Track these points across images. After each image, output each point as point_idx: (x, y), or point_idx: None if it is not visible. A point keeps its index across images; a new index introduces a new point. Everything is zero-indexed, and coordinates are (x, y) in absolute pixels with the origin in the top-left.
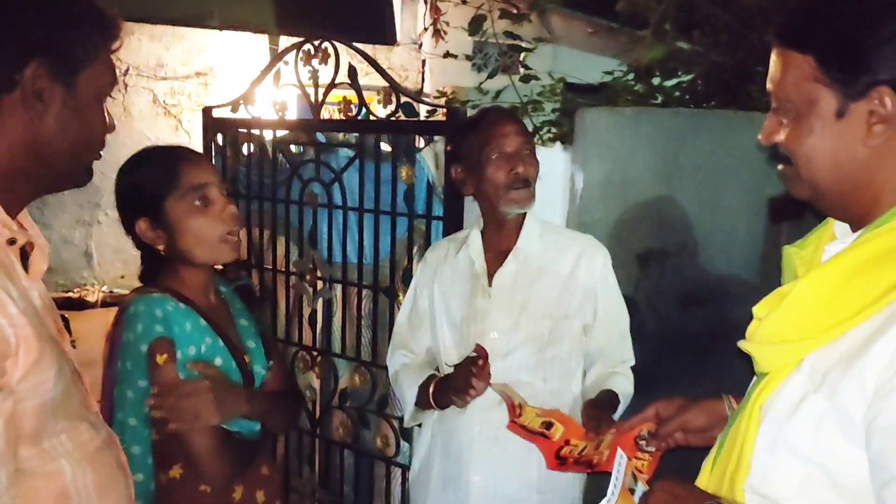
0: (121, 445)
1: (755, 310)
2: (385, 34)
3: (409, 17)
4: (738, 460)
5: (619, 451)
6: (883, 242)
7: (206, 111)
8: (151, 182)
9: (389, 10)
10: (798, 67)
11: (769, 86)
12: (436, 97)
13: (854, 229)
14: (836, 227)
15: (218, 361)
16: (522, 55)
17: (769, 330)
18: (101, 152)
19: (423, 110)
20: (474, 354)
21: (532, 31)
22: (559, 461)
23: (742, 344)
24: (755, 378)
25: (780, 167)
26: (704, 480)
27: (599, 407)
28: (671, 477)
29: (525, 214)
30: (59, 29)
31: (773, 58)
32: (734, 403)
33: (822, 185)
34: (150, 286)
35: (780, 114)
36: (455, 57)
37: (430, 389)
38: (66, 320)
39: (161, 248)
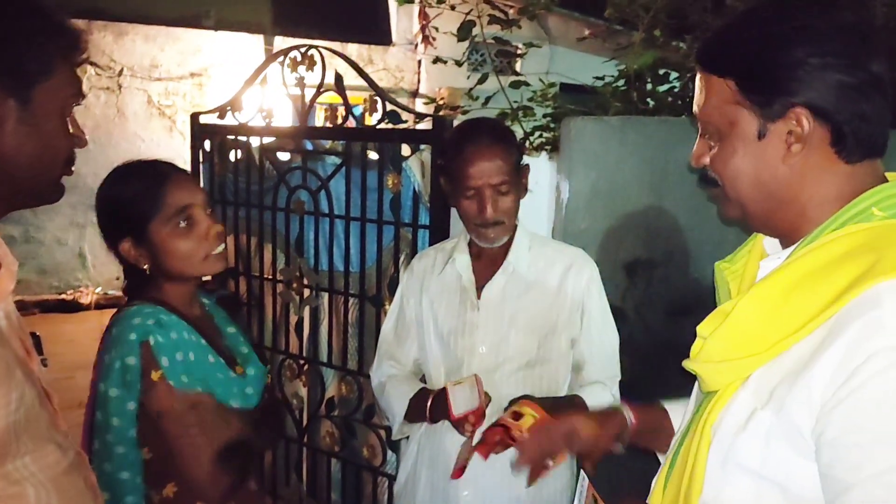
0: (105, 469)
1: (699, 329)
2: (380, 35)
3: (404, 18)
4: (691, 479)
5: (582, 473)
6: (818, 257)
7: (194, 117)
8: (135, 203)
9: (385, 11)
10: (719, 91)
11: (695, 109)
12: (426, 102)
13: (783, 244)
14: (766, 243)
15: (218, 376)
16: (518, 61)
17: (714, 349)
18: (76, 166)
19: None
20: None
21: (528, 33)
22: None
23: (687, 363)
24: (701, 397)
25: (710, 190)
26: (658, 499)
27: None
28: (626, 496)
29: (515, 227)
30: (8, 43)
31: (697, 82)
32: (632, 414)
33: (749, 204)
34: (137, 299)
35: (707, 137)
36: (445, 62)
37: (429, 403)
38: (37, 339)
39: (145, 266)
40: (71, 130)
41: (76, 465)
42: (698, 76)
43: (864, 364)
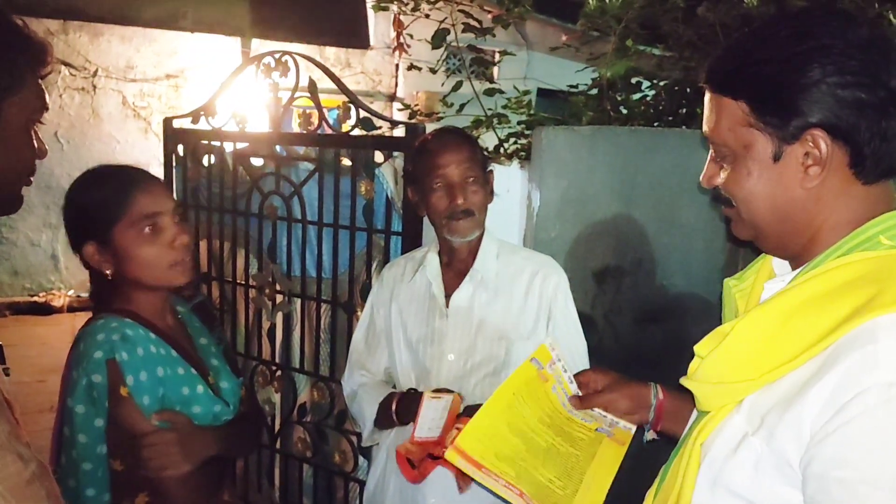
0: (70, 484)
1: (697, 348)
2: (358, 38)
3: (383, 22)
4: (679, 497)
5: None
6: (820, 284)
7: (167, 122)
8: (101, 206)
9: (363, 15)
10: (732, 113)
11: (705, 129)
12: (400, 109)
13: (793, 266)
14: (775, 262)
15: (185, 391)
16: (495, 67)
17: (710, 370)
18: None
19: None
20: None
21: (505, 38)
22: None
23: (683, 381)
24: (696, 414)
25: (723, 209)
26: None
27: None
28: None
29: (482, 234)
30: None
31: (707, 103)
32: (660, 393)
33: (763, 226)
34: (104, 309)
35: (719, 158)
36: (419, 69)
37: (394, 406)
38: None
39: (108, 272)
40: (35, 143)
41: (38, 475)
42: (708, 97)
43: (855, 399)
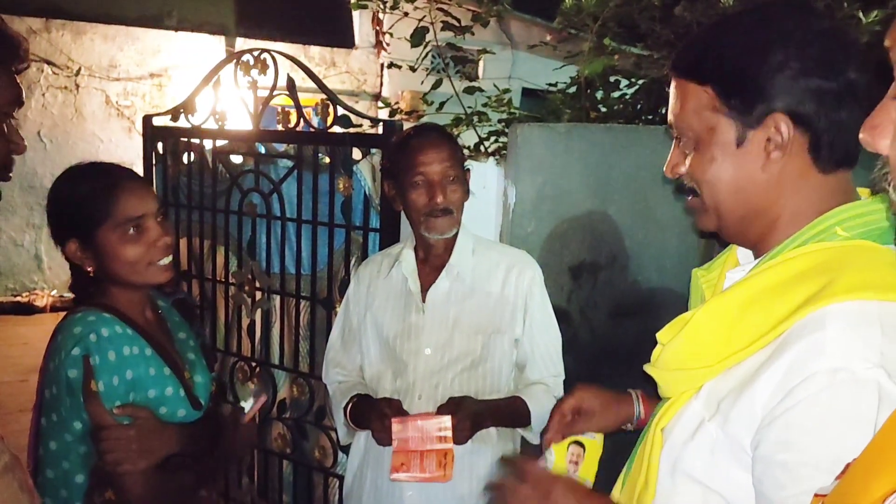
0: (49, 474)
1: (659, 335)
2: (343, 38)
3: (367, 21)
4: (645, 482)
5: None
6: (776, 274)
7: (147, 119)
8: (85, 206)
9: (347, 14)
10: (697, 98)
11: (670, 117)
12: (379, 107)
13: (755, 256)
14: (740, 253)
15: (151, 393)
16: (479, 66)
17: (670, 356)
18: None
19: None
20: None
21: (490, 37)
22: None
23: (647, 368)
24: (661, 401)
25: (687, 200)
26: (617, 493)
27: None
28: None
29: (458, 230)
30: None
31: (673, 90)
32: (643, 410)
33: (725, 212)
34: (85, 303)
35: (683, 145)
36: (399, 67)
37: (348, 411)
38: None
39: (90, 269)
40: (10, 136)
41: (11, 467)
42: (673, 84)
43: (801, 384)
